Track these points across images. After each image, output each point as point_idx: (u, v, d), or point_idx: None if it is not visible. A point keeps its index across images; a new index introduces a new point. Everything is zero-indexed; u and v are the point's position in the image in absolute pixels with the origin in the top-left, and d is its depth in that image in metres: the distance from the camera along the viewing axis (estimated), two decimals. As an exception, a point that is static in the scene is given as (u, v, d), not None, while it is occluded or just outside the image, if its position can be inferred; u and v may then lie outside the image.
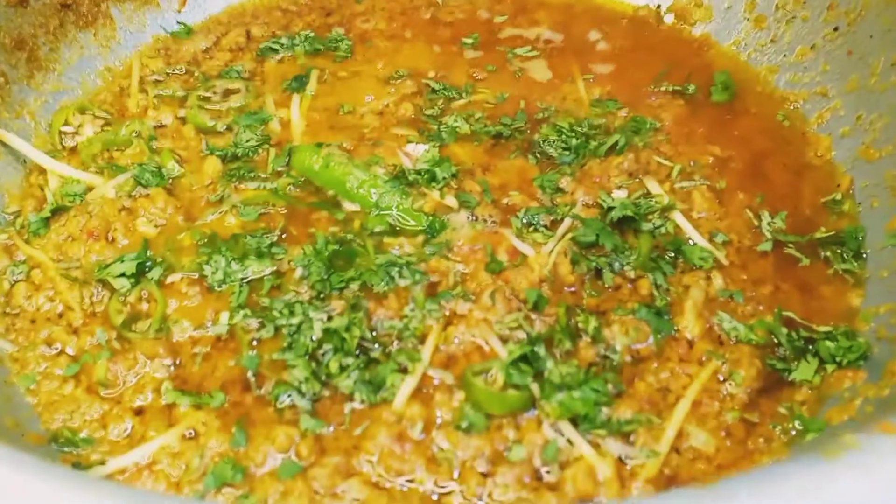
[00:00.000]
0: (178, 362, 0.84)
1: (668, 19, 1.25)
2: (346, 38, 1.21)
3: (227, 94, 1.12)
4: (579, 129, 1.06)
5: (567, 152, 1.04)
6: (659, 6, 1.25)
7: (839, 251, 0.93)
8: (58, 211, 0.95)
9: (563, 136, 1.05)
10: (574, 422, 0.78)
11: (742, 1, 1.18)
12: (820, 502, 0.41)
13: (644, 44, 1.22)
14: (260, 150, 1.04)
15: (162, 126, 1.08)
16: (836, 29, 1.08)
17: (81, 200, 0.96)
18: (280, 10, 1.27)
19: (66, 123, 1.06)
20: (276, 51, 1.19)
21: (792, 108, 1.10)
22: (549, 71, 1.18)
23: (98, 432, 0.78)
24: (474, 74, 1.17)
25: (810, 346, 0.84)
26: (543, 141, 1.05)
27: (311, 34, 1.21)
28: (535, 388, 0.79)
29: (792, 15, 1.13)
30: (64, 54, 1.11)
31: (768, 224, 0.96)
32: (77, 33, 1.12)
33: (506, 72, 1.18)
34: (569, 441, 0.77)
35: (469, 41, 1.22)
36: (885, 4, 1.01)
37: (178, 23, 1.22)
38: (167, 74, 1.15)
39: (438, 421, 0.79)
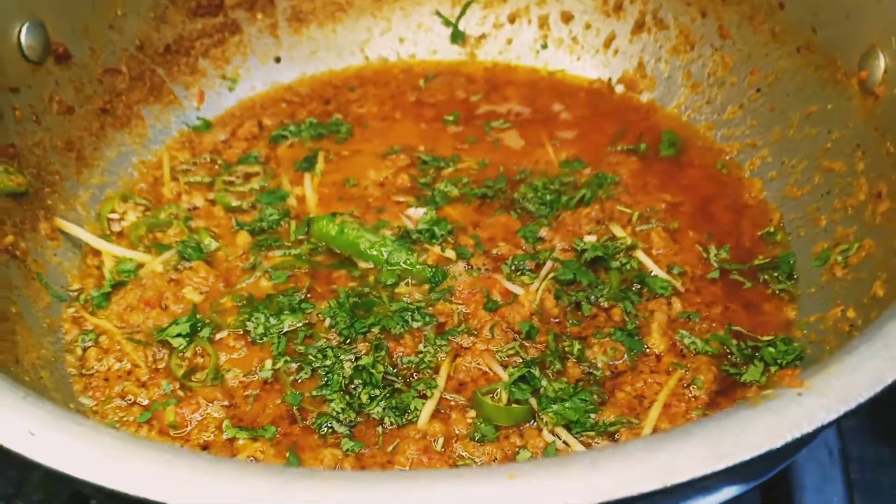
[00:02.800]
0: (233, 403, 0.98)
1: (619, 89, 1.42)
2: (345, 122, 1.38)
3: (248, 177, 1.28)
4: (552, 186, 1.23)
5: (543, 207, 1.20)
6: (610, 79, 1.43)
7: (775, 274, 1.10)
8: (116, 286, 1.10)
9: (539, 193, 1.22)
10: (568, 427, 0.92)
11: (679, 72, 1.37)
12: (740, 436, 0.57)
13: (600, 111, 1.40)
14: (282, 223, 1.19)
15: (195, 208, 1.23)
16: (758, 90, 1.26)
17: (135, 276, 1.11)
18: (285, 101, 1.44)
19: (113, 211, 1.21)
20: (285, 137, 1.35)
21: (728, 158, 1.28)
22: (521, 139, 1.35)
23: (174, 465, 0.92)
24: (458, 146, 1.34)
25: (756, 353, 1.00)
26: (522, 198, 1.22)
27: (314, 121, 1.38)
28: (533, 402, 0.94)
29: (721, 80, 1.32)
30: (105, 152, 1.26)
31: (715, 256, 1.13)
32: (114, 133, 1.28)
33: (485, 142, 1.35)
34: (565, 442, 0.91)
35: (451, 118, 1.39)
36: (795, 68, 1.19)
37: (199, 118, 1.38)
38: (194, 164, 1.31)
39: (456, 435, 0.93)
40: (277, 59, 1.46)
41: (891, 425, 1.24)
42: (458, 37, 1.50)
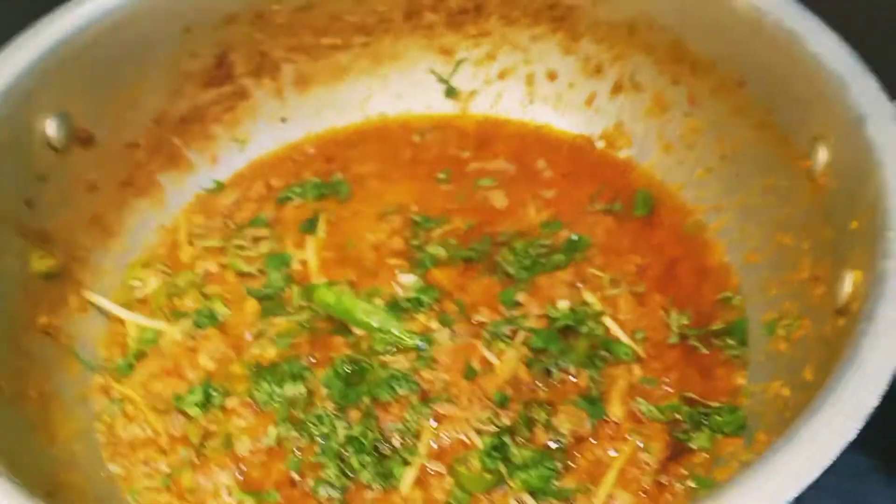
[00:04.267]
0: (243, 469, 1.11)
1: (600, 145, 1.52)
2: (346, 182, 1.49)
3: (257, 240, 1.40)
4: (531, 251, 1.33)
5: (523, 270, 1.30)
6: (592, 135, 1.52)
7: (729, 340, 1.20)
8: (139, 355, 1.23)
9: (518, 257, 1.32)
10: (532, 493, 1.05)
11: (654, 132, 1.45)
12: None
13: (581, 167, 1.49)
14: (286, 289, 1.31)
15: (209, 273, 1.35)
16: (723, 157, 1.35)
17: (156, 345, 1.24)
18: (291, 160, 1.55)
19: (136, 278, 1.35)
20: (291, 198, 1.46)
21: (695, 219, 1.37)
22: (506, 199, 1.44)
23: (191, 528, 1.06)
24: (448, 206, 1.44)
25: (705, 420, 1.11)
26: (504, 261, 1.32)
27: (318, 180, 1.49)
28: (503, 469, 1.07)
29: (691, 144, 1.40)
30: (127, 221, 1.38)
31: (676, 321, 1.23)
32: (135, 202, 1.40)
33: (472, 201, 1.45)
34: (529, 508, 1.04)
35: (443, 176, 1.49)
36: (756, 141, 1.27)
37: (213, 181, 1.50)
38: (207, 228, 1.43)
39: (435, 500, 1.06)
40: (284, 119, 1.56)
41: (872, 435, 1.34)
42: (451, 92, 1.59)
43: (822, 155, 1.11)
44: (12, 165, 1.18)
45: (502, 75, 1.58)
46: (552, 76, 1.55)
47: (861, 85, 1.07)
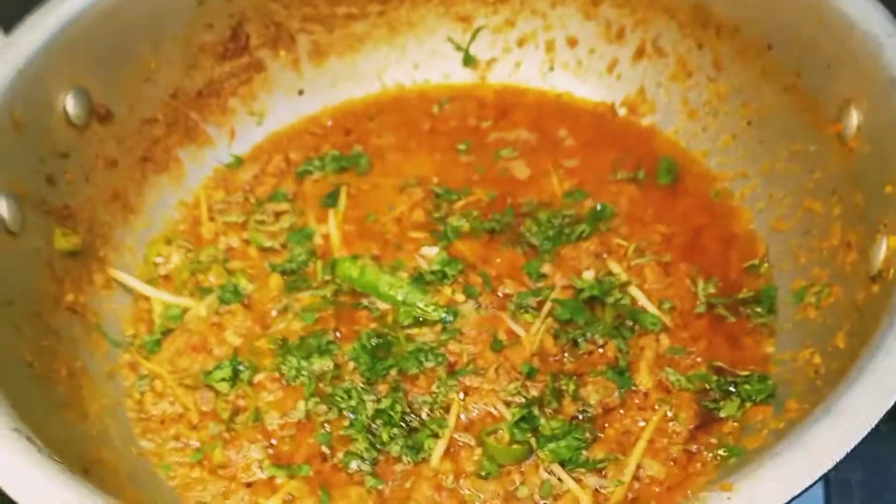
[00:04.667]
0: (273, 443, 1.12)
1: (622, 112, 1.50)
2: (365, 155, 1.47)
3: (278, 215, 1.39)
4: (555, 220, 1.32)
5: (547, 241, 1.30)
6: (613, 102, 1.51)
7: (757, 309, 1.19)
8: (165, 332, 1.24)
9: (542, 228, 1.31)
10: (562, 464, 1.05)
11: (678, 98, 1.43)
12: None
13: (603, 135, 1.47)
14: (309, 263, 1.31)
15: (231, 249, 1.35)
16: (749, 123, 1.33)
17: (181, 321, 1.24)
18: (309, 133, 1.53)
19: (158, 255, 1.34)
20: (310, 172, 1.46)
21: (721, 187, 1.36)
22: (528, 168, 1.43)
23: (224, 502, 1.07)
24: (469, 177, 1.43)
25: (734, 389, 1.11)
26: (528, 232, 1.31)
27: (337, 154, 1.47)
28: (532, 440, 1.07)
29: (716, 110, 1.38)
30: (147, 197, 1.38)
31: (703, 289, 1.22)
32: (155, 178, 1.39)
33: (494, 172, 1.44)
34: (559, 479, 1.04)
35: (463, 147, 1.48)
36: (783, 106, 1.26)
37: (231, 155, 1.49)
38: (228, 203, 1.42)
39: (464, 472, 1.06)
40: (301, 92, 1.55)
41: None
42: (469, 61, 1.57)
43: (854, 118, 1.10)
44: (33, 142, 1.17)
45: (521, 42, 1.56)
46: (572, 42, 1.53)
47: (895, 44, 1.05)
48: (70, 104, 1.23)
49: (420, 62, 1.59)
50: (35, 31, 1.21)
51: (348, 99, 1.58)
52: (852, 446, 0.72)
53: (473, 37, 1.57)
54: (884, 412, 0.73)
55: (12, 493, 0.77)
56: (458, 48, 1.58)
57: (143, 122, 1.37)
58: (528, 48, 1.56)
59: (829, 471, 0.72)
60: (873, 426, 0.72)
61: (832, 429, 0.74)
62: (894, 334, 0.80)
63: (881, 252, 0.96)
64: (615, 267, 1.25)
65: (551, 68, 1.55)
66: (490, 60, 1.58)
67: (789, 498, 0.68)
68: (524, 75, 1.57)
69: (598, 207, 1.34)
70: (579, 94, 1.54)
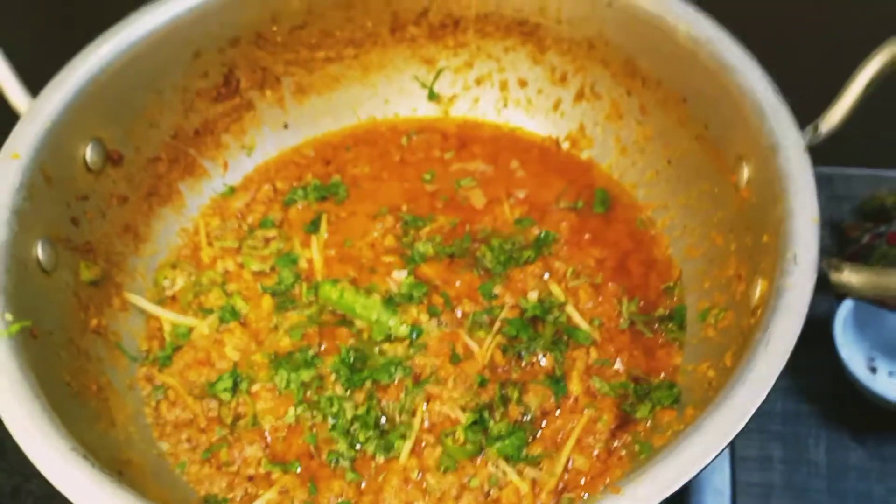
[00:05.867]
0: (268, 444, 1.33)
1: (566, 146, 1.70)
2: (343, 184, 1.67)
3: (267, 241, 1.59)
4: (506, 246, 1.53)
5: (498, 265, 1.50)
6: (558, 136, 1.71)
7: (670, 325, 1.42)
8: (175, 348, 1.44)
9: (495, 253, 1.52)
10: (507, 459, 1.27)
11: (612, 136, 1.63)
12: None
13: (549, 167, 1.67)
14: (295, 286, 1.51)
15: (228, 272, 1.55)
16: (669, 161, 1.53)
17: (188, 339, 1.45)
18: (293, 163, 1.72)
19: (165, 278, 1.54)
20: (295, 201, 1.65)
21: (645, 216, 1.57)
22: (484, 197, 1.63)
23: (229, 494, 1.27)
24: (433, 205, 1.63)
25: (647, 395, 1.33)
26: (483, 257, 1.52)
27: (318, 183, 1.67)
28: (482, 440, 1.29)
29: (643, 148, 1.58)
30: (154, 227, 1.57)
31: (627, 308, 1.44)
32: (160, 209, 1.58)
33: (455, 200, 1.63)
34: (503, 472, 1.26)
35: (428, 177, 1.68)
36: (695, 150, 1.46)
37: (224, 185, 1.68)
38: (223, 229, 1.61)
39: (428, 467, 1.28)
40: (286, 126, 1.74)
41: (811, 385, 1.59)
42: (433, 97, 1.76)
43: (746, 172, 1.30)
44: (60, 191, 1.35)
45: (479, 81, 1.75)
46: (523, 83, 1.72)
47: (777, 116, 1.25)
48: (88, 153, 1.41)
49: (390, 98, 1.77)
50: (58, 93, 1.37)
51: (327, 131, 1.76)
52: (711, 459, 0.93)
53: (437, 76, 1.76)
54: (736, 433, 0.95)
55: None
56: (424, 86, 1.76)
57: (148, 162, 1.55)
58: (485, 86, 1.75)
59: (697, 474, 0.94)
60: (728, 443, 0.94)
61: (697, 444, 0.96)
62: (749, 369, 1.01)
63: (757, 291, 1.17)
64: (555, 288, 1.46)
65: (505, 105, 1.75)
66: (452, 97, 1.77)
67: (661, 498, 0.90)
68: (482, 110, 1.77)
69: (542, 234, 1.55)
70: (529, 128, 1.73)
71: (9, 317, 1.14)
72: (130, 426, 1.31)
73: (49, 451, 1.00)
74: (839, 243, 1.79)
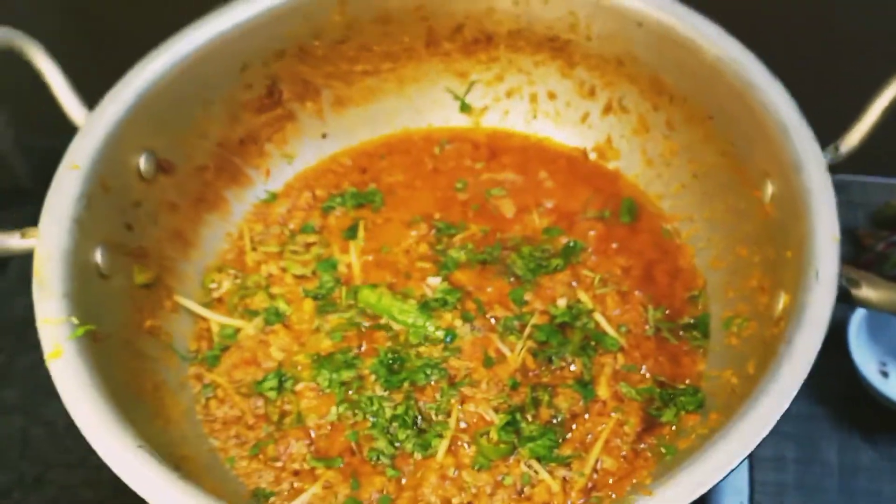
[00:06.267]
0: (312, 440, 1.40)
1: (593, 156, 1.76)
2: (379, 192, 1.73)
3: (308, 246, 1.66)
4: (535, 254, 1.59)
5: (528, 272, 1.56)
6: (586, 147, 1.76)
7: (694, 333, 1.47)
8: (223, 348, 1.51)
9: (525, 261, 1.58)
10: (538, 459, 1.33)
11: (638, 148, 1.69)
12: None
13: (576, 177, 1.73)
14: (335, 290, 1.58)
15: (272, 276, 1.61)
16: (695, 175, 1.59)
17: (235, 340, 1.51)
18: (331, 171, 1.78)
19: (212, 281, 1.61)
20: (333, 207, 1.71)
21: (671, 226, 1.63)
22: (514, 206, 1.70)
23: (276, 488, 1.34)
24: (465, 213, 1.69)
25: (672, 400, 1.39)
26: (513, 264, 1.58)
27: (355, 191, 1.73)
28: (515, 440, 1.35)
29: (669, 162, 1.64)
30: (201, 232, 1.63)
31: (653, 315, 1.50)
32: (207, 216, 1.64)
33: (486, 209, 1.70)
34: (535, 471, 1.32)
35: (460, 186, 1.74)
36: (720, 166, 1.51)
37: (266, 191, 1.74)
38: (266, 234, 1.68)
39: (463, 465, 1.34)
40: (324, 135, 1.80)
41: (824, 387, 1.64)
42: (465, 108, 1.82)
43: (770, 188, 1.35)
44: (116, 199, 1.42)
45: (509, 94, 1.81)
46: (552, 96, 1.78)
47: (800, 136, 1.30)
48: (142, 163, 1.47)
49: (424, 109, 1.83)
50: (113, 106, 1.44)
51: (364, 140, 1.83)
52: (736, 465, 0.99)
53: (469, 88, 1.81)
54: (759, 440, 1.01)
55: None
56: (456, 97, 1.82)
57: (196, 170, 1.62)
58: (515, 99, 1.81)
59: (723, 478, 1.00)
60: (751, 450, 1.00)
61: (722, 451, 1.02)
62: (773, 381, 1.07)
63: (780, 304, 1.22)
64: (583, 296, 1.52)
65: (534, 116, 1.80)
66: (483, 108, 1.82)
67: (689, 500, 0.96)
68: (511, 121, 1.82)
69: (571, 243, 1.61)
70: (557, 139, 1.79)
71: (75, 320, 1.20)
72: (184, 423, 1.38)
73: (119, 450, 1.07)
74: (855, 249, 1.84)
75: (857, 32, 1.81)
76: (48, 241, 1.27)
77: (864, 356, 1.64)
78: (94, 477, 0.98)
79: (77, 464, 1.61)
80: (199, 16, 1.56)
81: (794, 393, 1.04)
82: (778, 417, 1.02)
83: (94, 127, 1.41)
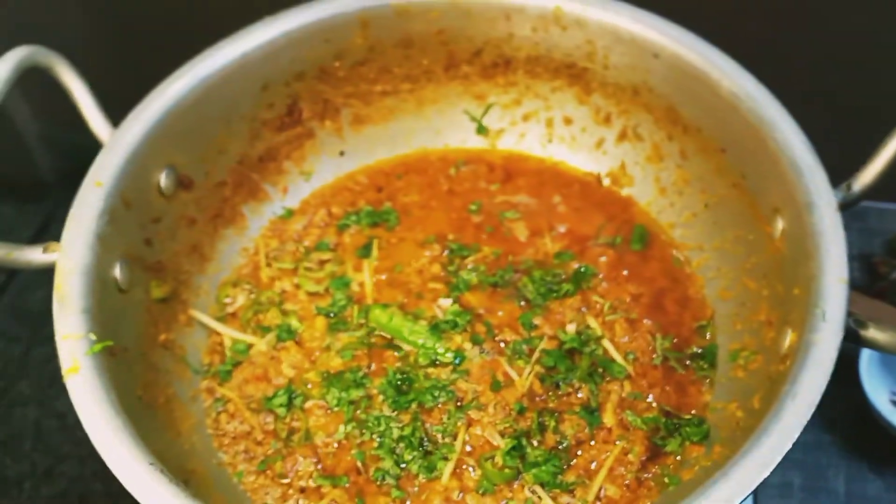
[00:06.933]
0: (320, 458, 1.40)
1: (606, 182, 1.76)
2: (394, 211, 1.74)
3: (322, 263, 1.67)
4: (547, 278, 1.59)
5: (539, 297, 1.57)
6: (600, 173, 1.76)
7: (702, 363, 1.47)
8: (235, 363, 1.52)
9: (536, 285, 1.58)
10: (542, 485, 1.33)
11: (652, 176, 1.69)
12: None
13: (589, 202, 1.73)
14: (347, 308, 1.59)
15: (285, 292, 1.63)
16: (706, 206, 1.59)
17: (247, 355, 1.53)
18: (347, 189, 1.80)
19: (227, 296, 1.62)
20: (348, 225, 1.72)
21: (681, 255, 1.62)
22: (527, 230, 1.70)
23: (283, 504, 1.36)
24: (479, 235, 1.70)
25: (678, 429, 1.39)
26: (524, 288, 1.58)
27: (370, 209, 1.74)
28: (520, 465, 1.35)
29: (681, 191, 1.64)
30: (218, 247, 1.65)
31: (661, 344, 1.50)
32: (224, 231, 1.66)
33: (499, 232, 1.70)
34: (539, 497, 1.32)
35: (474, 208, 1.74)
36: (732, 197, 1.51)
37: (283, 208, 1.76)
38: (281, 251, 1.69)
39: (468, 489, 1.35)
40: (342, 153, 1.81)
41: (833, 416, 1.64)
42: (482, 130, 1.83)
43: (780, 224, 1.35)
44: (137, 215, 1.44)
45: (526, 118, 1.81)
46: (568, 121, 1.78)
47: (812, 175, 1.30)
48: (163, 179, 1.49)
49: (441, 129, 1.84)
50: (137, 124, 1.45)
51: (381, 159, 1.84)
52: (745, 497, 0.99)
53: (486, 111, 1.82)
54: (760, 480, 1.00)
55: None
56: (473, 119, 1.83)
57: (215, 186, 1.63)
58: (532, 123, 1.81)
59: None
60: (752, 490, 1.00)
61: (722, 489, 1.01)
62: (777, 419, 1.07)
63: (787, 341, 1.22)
64: (592, 322, 1.52)
65: (550, 140, 1.81)
66: (499, 130, 1.83)
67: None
68: (527, 144, 1.83)
69: (582, 268, 1.61)
70: (572, 163, 1.79)
71: (93, 336, 1.22)
72: (194, 436, 1.39)
73: (132, 466, 1.08)
74: (870, 277, 1.82)
75: (873, 71, 1.80)
76: (70, 257, 1.28)
77: (875, 385, 1.63)
78: (104, 470, 0.99)
79: (88, 456, 1.62)
80: (223, 32, 1.58)
81: (797, 434, 1.03)
82: (780, 458, 1.02)
83: (117, 145, 1.43)
